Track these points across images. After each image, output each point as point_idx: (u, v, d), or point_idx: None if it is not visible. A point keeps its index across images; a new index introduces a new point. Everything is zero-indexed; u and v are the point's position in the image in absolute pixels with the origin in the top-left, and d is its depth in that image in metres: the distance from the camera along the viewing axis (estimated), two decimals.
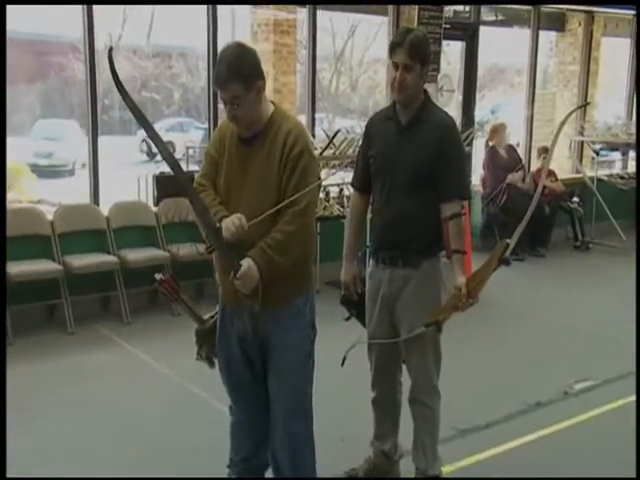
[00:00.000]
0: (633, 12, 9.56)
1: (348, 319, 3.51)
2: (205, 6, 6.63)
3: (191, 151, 8.12)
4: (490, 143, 8.29)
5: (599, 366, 5.02)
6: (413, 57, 3.06)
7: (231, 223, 2.67)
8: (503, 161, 8.25)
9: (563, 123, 3.31)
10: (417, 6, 7.33)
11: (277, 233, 2.71)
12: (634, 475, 3.33)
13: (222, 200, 2.81)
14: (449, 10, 7.79)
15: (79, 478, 3.53)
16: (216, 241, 2.69)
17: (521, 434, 4.03)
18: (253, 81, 2.68)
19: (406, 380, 3.42)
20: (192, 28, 6.67)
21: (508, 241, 2.96)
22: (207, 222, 2.70)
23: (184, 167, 7.34)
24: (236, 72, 2.64)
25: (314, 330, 2.98)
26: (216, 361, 3.10)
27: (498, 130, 8.30)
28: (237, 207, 2.76)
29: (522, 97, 9.59)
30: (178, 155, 14.27)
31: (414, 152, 3.15)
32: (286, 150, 2.72)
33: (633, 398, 4.32)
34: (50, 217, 5.89)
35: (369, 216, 3.51)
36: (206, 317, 3.12)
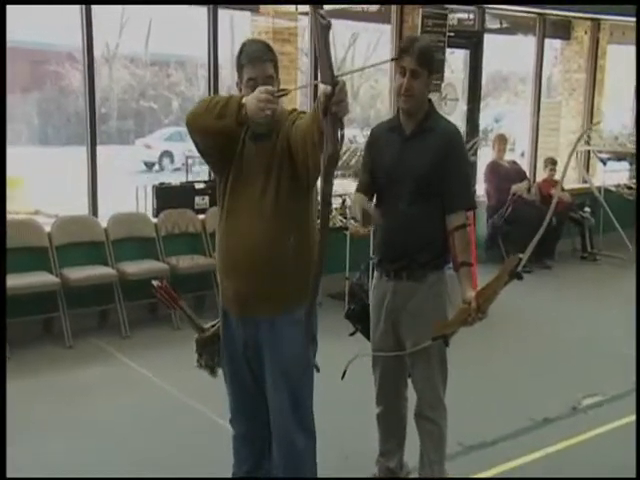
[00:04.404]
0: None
1: (353, 334, 3.46)
2: (205, 14, 6.57)
3: (190, 161, 8.02)
4: (491, 156, 8.22)
5: (608, 381, 4.94)
6: (421, 63, 3.02)
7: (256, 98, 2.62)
8: (506, 172, 8.18)
9: (580, 138, 3.24)
10: (421, 14, 7.25)
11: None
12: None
13: (228, 192, 2.80)
14: (453, 18, 7.71)
15: (79, 478, 3.55)
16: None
17: (528, 451, 3.96)
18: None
19: (412, 395, 3.36)
20: (190, 36, 6.58)
21: (520, 255, 2.87)
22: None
23: (184, 178, 7.27)
24: None
25: (315, 343, 2.92)
26: (219, 370, 3.08)
27: (498, 141, 8.26)
28: (245, 200, 2.76)
29: (526, 105, 9.52)
30: (177, 165, 14.14)
31: (418, 162, 3.11)
32: None
33: None
34: (48, 229, 5.81)
35: (372, 228, 3.44)
36: (207, 326, 3.10)
